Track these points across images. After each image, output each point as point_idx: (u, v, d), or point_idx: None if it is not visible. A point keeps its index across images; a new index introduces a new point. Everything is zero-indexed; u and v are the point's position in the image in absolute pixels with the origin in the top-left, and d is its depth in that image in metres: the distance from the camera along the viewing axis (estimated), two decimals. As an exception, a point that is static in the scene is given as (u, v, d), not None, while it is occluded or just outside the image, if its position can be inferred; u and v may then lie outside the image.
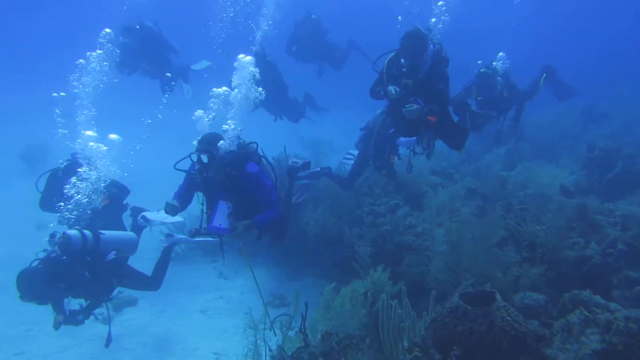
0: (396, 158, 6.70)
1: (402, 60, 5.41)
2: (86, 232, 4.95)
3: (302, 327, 4.24)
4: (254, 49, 8.76)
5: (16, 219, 9.47)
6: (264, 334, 4.49)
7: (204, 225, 4.75)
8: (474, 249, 4.74)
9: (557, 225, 5.11)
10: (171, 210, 4.66)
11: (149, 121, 9.26)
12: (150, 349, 5.72)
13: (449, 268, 4.77)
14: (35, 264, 4.68)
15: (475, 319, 3.57)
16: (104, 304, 5.19)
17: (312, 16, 10.23)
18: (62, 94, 7.38)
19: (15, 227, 9.09)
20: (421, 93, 5.43)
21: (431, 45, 5.43)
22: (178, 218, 6.14)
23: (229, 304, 6.66)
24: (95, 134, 6.50)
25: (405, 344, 3.97)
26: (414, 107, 5.27)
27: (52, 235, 4.84)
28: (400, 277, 5.15)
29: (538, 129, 11.85)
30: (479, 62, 7.92)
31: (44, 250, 4.77)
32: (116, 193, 6.26)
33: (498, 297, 3.71)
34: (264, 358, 4.43)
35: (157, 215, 6.02)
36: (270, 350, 4.31)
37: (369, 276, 4.96)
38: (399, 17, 6.18)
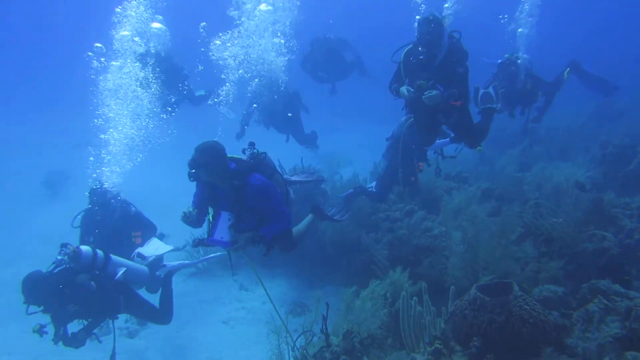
0: (425, 165, 6.67)
1: (420, 48, 5.29)
2: (98, 250, 5.05)
3: (324, 327, 4.32)
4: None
5: (42, 241, 9.80)
6: (286, 337, 4.57)
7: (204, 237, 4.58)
8: (491, 246, 4.79)
9: (574, 219, 5.15)
10: (186, 218, 4.42)
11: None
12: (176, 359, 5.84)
13: (466, 265, 4.81)
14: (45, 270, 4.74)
15: (493, 309, 3.63)
16: (110, 322, 5.13)
17: (329, 36, 10.27)
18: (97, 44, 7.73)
19: (40, 250, 9.36)
20: (440, 79, 5.31)
21: (446, 36, 5.34)
22: (169, 247, 6.21)
23: (251, 314, 6.76)
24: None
25: (427, 340, 4.01)
26: (433, 93, 5.14)
27: (64, 245, 4.90)
28: (419, 278, 5.22)
29: (552, 130, 11.83)
30: (485, 59, 7.96)
31: (54, 262, 4.83)
32: (145, 231, 6.44)
33: (515, 287, 3.76)
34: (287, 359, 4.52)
35: (150, 248, 6.00)
36: (294, 349, 4.38)
37: (388, 277, 5.04)
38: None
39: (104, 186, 6.44)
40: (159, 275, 5.67)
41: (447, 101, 5.26)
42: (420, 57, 5.26)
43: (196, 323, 6.58)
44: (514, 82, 7.73)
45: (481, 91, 6.41)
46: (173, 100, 9.54)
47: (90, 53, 8.28)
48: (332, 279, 7.18)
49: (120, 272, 5.13)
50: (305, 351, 4.32)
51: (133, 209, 6.53)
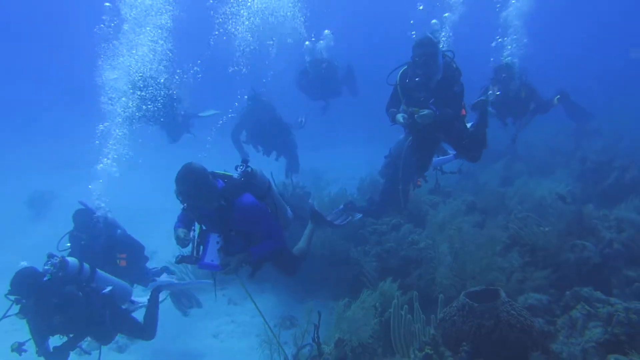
0: (422, 181, 6.67)
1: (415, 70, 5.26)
2: (85, 264, 4.99)
3: (316, 336, 4.39)
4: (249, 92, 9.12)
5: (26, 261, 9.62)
6: (278, 348, 4.62)
7: (195, 254, 4.35)
8: (477, 257, 4.94)
9: (557, 230, 5.34)
10: (181, 242, 4.32)
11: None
12: (167, 373, 5.82)
13: (454, 275, 4.94)
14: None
15: (482, 314, 3.75)
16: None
17: (324, 56, 10.42)
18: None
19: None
20: (437, 99, 5.31)
21: (441, 56, 5.36)
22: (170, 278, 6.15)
23: (241, 328, 6.77)
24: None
25: (417, 346, 4.10)
26: (425, 112, 5.14)
27: (50, 256, 4.81)
28: (408, 289, 5.32)
29: (531, 147, 12.16)
30: (492, 59, 8.13)
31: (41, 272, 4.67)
32: (132, 253, 6.37)
33: (502, 293, 3.89)
34: (279, 371, 4.56)
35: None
36: (286, 359, 4.43)
37: (378, 288, 5.14)
38: (413, 33, 6.22)
39: (89, 207, 6.31)
40: (148, 289, 5.67)
41: (442, 120, 5.27)
42: (417, 79, 5.24)
43: (186, 337, 6.56)
44: (510, 84, 7.88)
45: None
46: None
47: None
48: (320, 293, 7.23)
49: (108, 289, 5.05)
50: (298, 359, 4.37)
51: (119, 231, 6.42)
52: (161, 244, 9.34)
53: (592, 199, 7.74)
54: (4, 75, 26.82)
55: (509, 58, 8.13)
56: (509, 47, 8.57)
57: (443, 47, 5.67)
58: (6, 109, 23.29)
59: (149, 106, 8.80)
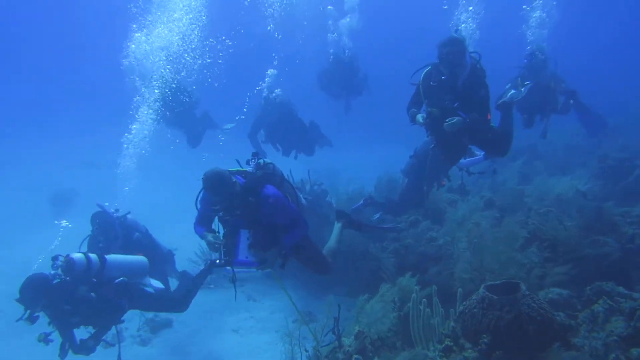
0: (447, 181, 6.65)
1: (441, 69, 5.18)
2: (91, 255, 4.85)
3: (336, 329, 4.44)
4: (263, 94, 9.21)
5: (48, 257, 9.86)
6: (299, 339, 4.67)
7: (224, 257, 4.21)
8: (496, 251, 4.93)
9: (577, 225, 5.31)
10: (214, 246, 4.17)
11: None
12: (188, 367, 5.95)
13: (473, 269, 4.94)
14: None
15: (502, 307, 3.76)
16: (115, 328, 5.06)
17: (346, 52, 10.47)
18: None
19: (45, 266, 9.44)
20: (463, 101, 5.24)
21: (468, 56, 5.28)
22: None
23: (260, 323, 6.85)
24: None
25: (436, 340, 4.13)
26: (454, 120, 5.07)
27: (55, 258, 4.78)
28: (426, 285, 5.34)
29: (551, 146, 12.05)
30: (528, 47, 7.93)
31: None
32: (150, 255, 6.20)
33: (523, 286, 3.90)
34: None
35: None
36: (306, 350, 4.48)
37: (397, 283, 5.17)
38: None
39: (106, 210, 6.32)
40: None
41: (470, 126, 5.19)
42: (442, 77, 5.18)
43: (207, 331, 6.67)
44: (541, 74, 7.68)
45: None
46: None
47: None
48: (338, 290, 7.28)
49: (121, 278, 4.99)
50: (317, 352, 4.42)
51: (136, 234, 6.45)
52: (180, 243, 9.50)
53: (613, 197, 7.64)
54: (26, 73, 27.56)
55: (536, 44, 7.96)
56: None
57: (469, 47, 5.48)
58: (28, 106, 23.84)
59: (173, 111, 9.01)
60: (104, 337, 4.99)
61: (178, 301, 5.45)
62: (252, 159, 4.51)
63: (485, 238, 5.14)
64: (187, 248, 8.88)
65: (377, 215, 7.30)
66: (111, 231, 6.14)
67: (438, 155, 6.13)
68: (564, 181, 8.13)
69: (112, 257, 5.09)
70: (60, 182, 14.70)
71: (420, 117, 5.39)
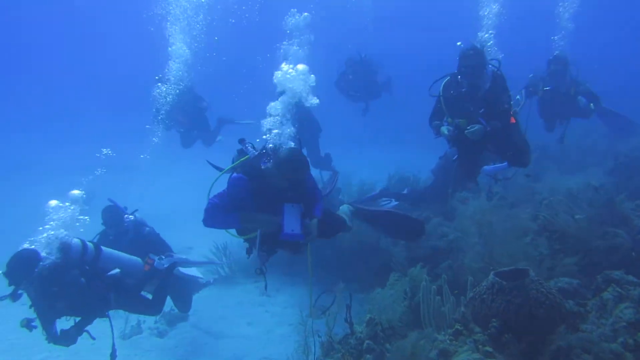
0: (474, 186, 6.69)
1: (460, 79, 5.23)
2: (88, 243, 4.84)
3: (348, 316, 4.54)
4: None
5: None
6: (312, 326, 4.78)
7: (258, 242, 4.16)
8: (505, 240, 5.00)
9: (588, 217, 5.35)
10: (270, 223, 4.09)
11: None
12: (204, 357, 6.12)
13: (483, 260, 5.02)
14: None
15: (510, 292, 3.84)
16: (110, 322, 4.89)
17: (362, 55, 10.40)
18: None
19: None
20: (486, 111, 5.24)
21: (489, 66, 5.26)
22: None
23: (274, 317, 6.98)
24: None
25: (446, 326, 4.21)
26: (476, 127, 5.10)
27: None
28: (437, 278, 5.41)
29: (562, 146, 11.99)
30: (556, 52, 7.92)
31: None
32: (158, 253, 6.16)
33: (531, 272, 3.97)
34: (313, 349, 4.71)
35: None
36: (319, 336, 4.59)
37: (408, 273, 5.26)
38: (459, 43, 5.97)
39: (118, 205, 6.38)
40: (163, 265, 5.42)
41: (491, 134, 5.19)
42: (463, 89, 5.18)
43: (222, 324, 6.82)
44: (562, 80, 7.63)
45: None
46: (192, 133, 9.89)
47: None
48: (349, 285, 7.37)
49: (115, 271, 4.92)
50: (330, 338, 4.52)
51: (147, 229, 6.47)
52: (196, 240, 9.67)
53: (626, 193, 7.65)
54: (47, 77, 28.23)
55: (559, 51, 7.96)
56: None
57: (489, 54, 5.53)
58: (52, 110, 24.31)
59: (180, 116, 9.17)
60: (86, 329, 4.79)
61: (153, 302, 5.25)
62: (246, 144, 4.40)
63: (495, 229, 5.20)
64: (202, 247, 9.08)
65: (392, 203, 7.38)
66: (121, 225, 6.20)
67: (459, 169, 6.19)
68: (575, 178, 8.16)
69: (108, 250, 5.06)
70: (79, 185, 14.97)
71: (445, 129, 5.35)
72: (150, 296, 5.32)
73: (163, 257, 5.53)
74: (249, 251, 4.47)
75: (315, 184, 4.44)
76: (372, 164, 16.75)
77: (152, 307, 5.22)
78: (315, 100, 7.78)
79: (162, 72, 9.40)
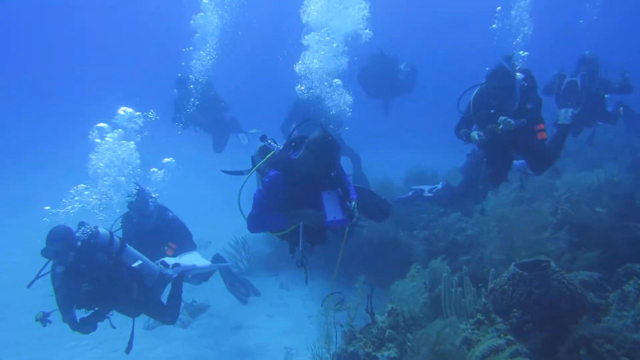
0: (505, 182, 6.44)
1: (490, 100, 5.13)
2: (115, 237, 4.92)
3: (369, 306, 4.63)
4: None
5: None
6: (334, 317, 4.86)
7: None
8: (525, 234, 5.05)
9: (607, 211, 5.37)
10: (321, 218, 3.86)
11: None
12: (227, 347, 6.27)
13: (502, 252, 5.07)
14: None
15: (531, 282, 3.91)
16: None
17: (385, 53, 10.28)
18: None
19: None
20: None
21: (518, 88, 5.16)
22: (205, 262, 6.03)
23: (293, 309, 7.10)
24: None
25: (467, 316, 4.27)
26: (509, 120, 4.99)
27: (82, 224, 4.69)
28: (457, 271, 5.47)
29: (580, 144, 11.94)
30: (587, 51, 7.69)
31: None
32: (181, 242, 6.38)
33: (552, 264, 4.03)
34: (335, 339, 4.80)
35: (182, 260, 5.77)
36: (341, 325, 4.68)
37: (428, 265, 5.33)
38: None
39: (143, 188, 6.35)
40: (171, 275, 5.40)
41: (519, 130, 5.12)
42: (492, 110, 5.12)
43: (242, 316, 6.95)
44: (592, 81, 7.42)
45: (567, 79, 6.19)
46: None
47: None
48: (369, 279, 7.45)
49: (137, 263, 4.98)
50: (352, 327, 4.62)
51: (170, 214, 6.54)
52: (214, 235, 9.83)
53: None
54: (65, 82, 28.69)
55: (589, 50, 7.65)
56: None
57: (518, 68, 5.36)
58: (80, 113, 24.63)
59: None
60: (108, 316, 4.85)
61: (168, 311, 5.25)
62: (269, 140, 4.30)
63: (515, 223, 5.25)
64: (220, 241, 9.23)
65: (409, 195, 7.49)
66: (145, 208, 6.23)
67: (488, 172, 6.01)
68: (593, 174, 8.14)
69: (131, 248, 5.13)
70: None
71: (475, 134, 5.29)
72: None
73: (170, 266, 5.44)
74: (292, 249, 4.25)
75: (342, 169, 4.29)
76: (387, 162, 16.82)
77: (168, 315, 5.23)
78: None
79: (183, 72, 9.51)
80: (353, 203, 3.91)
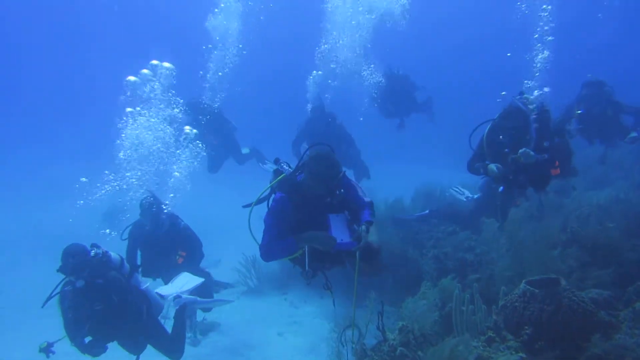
0: (523, 200, 6.55)
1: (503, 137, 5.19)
2: (126, 263, 4.91)
3: (380, 324, 4.65)
4: (309, 105, 9.42)
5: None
6: (345, 335, 4.87)
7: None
8: (535, 251, 5.07)
9: (617, 229, 5.39)
10: (331, 240, 3.78)
11: None
12: (238, 365, 6.26)
13: (512, 269, 5.08)
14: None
15: (543, 300, 3.93)
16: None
17: (400, 72, 10.25)
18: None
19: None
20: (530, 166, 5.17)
21: (533, 128, 5.16)
22: (197, 280, 5.89)
23: (303, 328, 7.10)
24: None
25: (478, 333, 4.28)
26: (530, 152, 5.04)
27: (94, 246, 4.63)
28: (466, 289, 5.49)
29: (588, 161, 11.94)
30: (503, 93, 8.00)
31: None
32: (191, 251, 6.44)
33: (563, 281, 4.06)
34: (345, 357, 4.81)
35: (173, 287, 5.69)
36: (353, 343, 4.69)
37: (439, 284, 5.35)
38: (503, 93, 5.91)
39: (156, 197, 6.40)
40: (165, 304, 5.32)
41: (540, 164, 5.18)
42: (506, 150, 5.15)
43: (253, 335, 6.95)
44: (596, 103, 7.62)
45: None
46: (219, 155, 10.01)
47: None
48: (380, 297, 7.46)
49: (146, 285, 5.00)
50: (363, 345, 4.63)
51: (182, 222, 6.54)
52: (225, 254, 9.90)
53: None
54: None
55: (591, 74, 7.88)
56: None
57: (533, 106, 5.32)
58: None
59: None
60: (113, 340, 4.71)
61: (174, 346, 5.10)
62: (282, 162, 4.22)
63: (525, 241, 5.27)
64: (231, 260, 9.30)
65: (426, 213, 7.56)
66: (158, 216, 6.26)
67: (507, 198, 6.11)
68: (603, 192, 8.15)
69: (139, 275, 5.14)
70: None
71: (494, 167, 5.26)
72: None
73: (173, 299, 5.36)
74: (304, 274, 4.03)
75: (358, 192, 4.16)
76: (395, 179, 16.87)
77: (174, 350, 5.09)
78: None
79: (191, 96, 9.56)
80: (363, 226, 3.76)
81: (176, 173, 7.52)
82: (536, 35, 6.93)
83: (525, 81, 6.07)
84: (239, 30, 10.49)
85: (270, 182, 4.29)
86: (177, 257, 6.38)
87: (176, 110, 7.81)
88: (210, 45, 10.06)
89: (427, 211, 7.64)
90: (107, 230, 6.81)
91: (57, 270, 4.38)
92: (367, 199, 4.06)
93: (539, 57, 6.67)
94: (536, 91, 6.34)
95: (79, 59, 30.57)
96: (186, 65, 9.34)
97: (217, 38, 10.11)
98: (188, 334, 6.55)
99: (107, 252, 4.71)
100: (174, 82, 7.75)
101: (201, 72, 10.06)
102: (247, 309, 7.77)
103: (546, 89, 5.70)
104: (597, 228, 5.36)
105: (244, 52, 10.42)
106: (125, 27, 29.05)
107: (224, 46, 10.14)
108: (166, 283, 6.08)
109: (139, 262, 6.34)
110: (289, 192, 3.96)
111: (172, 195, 6.77)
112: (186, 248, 6.46)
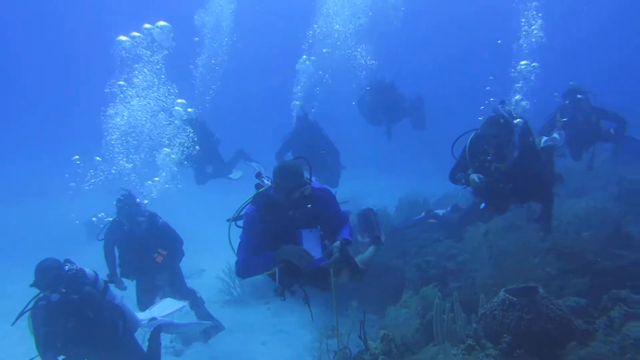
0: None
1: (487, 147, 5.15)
2: (100, 278, 4.83)
3: (362, 333, 4.68)
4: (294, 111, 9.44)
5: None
6: (327, 344, 4.90)
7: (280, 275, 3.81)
8: (515, 260, 5.16)
9: (597, 237, 5.52)
10: (306, 257, 3.61)
11: None
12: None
13: (493, 278, 5.17)
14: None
15: (521, 308, 4.00)
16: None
17: (386, 80, 10.20)
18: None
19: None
20: (515, 175, 5.20)
21: (517, 137, 5.14)
22: (180, 304, 5.89)
23: (287, 337, 7.10)
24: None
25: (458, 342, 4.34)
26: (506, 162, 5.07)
27: (68, 262, 4.61)
28: (448, 297, 5.55)
29: (568, 171, 12.15)
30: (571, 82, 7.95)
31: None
32: (171, 250, 6.33)
33: (541, 289, 4.13)
34: (328, 366, 4.84)
35: (157, 309, 5.68)
36: (335, 352, 4.71)
37: (420, 292, 5.41)
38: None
39: (133, 195, 6.32)
40: (148, 329, 5.26)
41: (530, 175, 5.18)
42: (489, 157, 5.14)
43: (236, 344, 6.94)
44: (580, 111, 7.70)
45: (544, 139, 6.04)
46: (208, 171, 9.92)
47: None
48: (361, 307, 7.48)
49: (119, 298, 4.94)
50: (345, 354, 4.66)
51: (160, 220, 6.44)
52: (209, 263, 9.86)
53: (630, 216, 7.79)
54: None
55: (573, 82, 7.99)
56: None
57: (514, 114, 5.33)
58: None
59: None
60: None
61: None
62: (260, 179, 4.18)
63: (506, 249, 5.37)
64: (214, 269, 9.26)
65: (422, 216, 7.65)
66: (136, 215, 6.18)
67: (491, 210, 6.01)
68: (581, 202, 8.31)
69: (114, 291, 5.08)
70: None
71: (475, 177, 5.23)
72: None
73: (147, 321, 5.31)
74: (275, 290, 4.08)
75: (338, 209, 4.09)
76: (380, 189, 17.02)
77: None
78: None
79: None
80: (337, 242, 3.66)
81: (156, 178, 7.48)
82: (525, 45, 7.09)
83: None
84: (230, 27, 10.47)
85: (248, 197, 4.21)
86: (156, 255, 6.25)
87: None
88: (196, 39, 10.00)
89: (422, 214, 7.71)
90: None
91: (31, 285, 4.31)
92: (346, 217, 4.01)
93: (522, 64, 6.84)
94: (517, 96, 6.46)
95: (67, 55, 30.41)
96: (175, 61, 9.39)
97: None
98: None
99: (81, 268, 4.65)
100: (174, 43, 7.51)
101: (196, 39, 9.99)
102: (231, 318, 7.72)
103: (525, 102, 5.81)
104: (575, 237, 5.48)
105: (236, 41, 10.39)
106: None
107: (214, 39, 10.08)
108: (146, 284, 6.20)
109: (117, 262, 6.28)
110: (259, 205, 3.90)
111: (156, 178, 6.67)
112: (166, 246, 6.34)
